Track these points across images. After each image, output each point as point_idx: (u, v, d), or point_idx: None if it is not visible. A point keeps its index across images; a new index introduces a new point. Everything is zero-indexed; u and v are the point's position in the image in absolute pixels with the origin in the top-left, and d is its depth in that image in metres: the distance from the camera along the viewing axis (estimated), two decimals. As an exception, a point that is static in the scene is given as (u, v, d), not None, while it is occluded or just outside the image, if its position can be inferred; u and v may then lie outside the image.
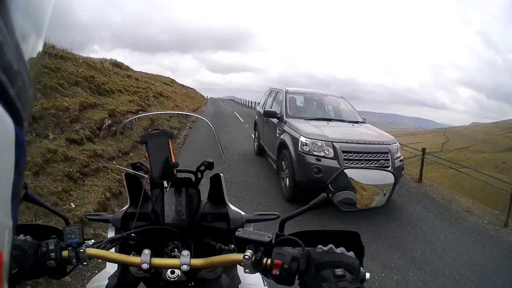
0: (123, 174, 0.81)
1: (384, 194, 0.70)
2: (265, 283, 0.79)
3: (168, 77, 22.08)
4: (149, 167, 0.72)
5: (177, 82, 23.36)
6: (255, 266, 0.56)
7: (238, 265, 0.62)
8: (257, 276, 0.76)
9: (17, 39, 0.19)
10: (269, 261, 0.56)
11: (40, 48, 0.23)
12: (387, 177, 0.72)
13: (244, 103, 32.67)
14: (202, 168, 0.82)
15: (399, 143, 4.07)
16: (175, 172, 0.72)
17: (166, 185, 0.75)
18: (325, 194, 0.63)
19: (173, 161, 0.72)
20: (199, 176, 0.83)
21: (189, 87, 38.54)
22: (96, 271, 2.04)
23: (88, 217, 0.88)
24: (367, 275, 0.57)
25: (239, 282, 0.74)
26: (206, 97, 56.89)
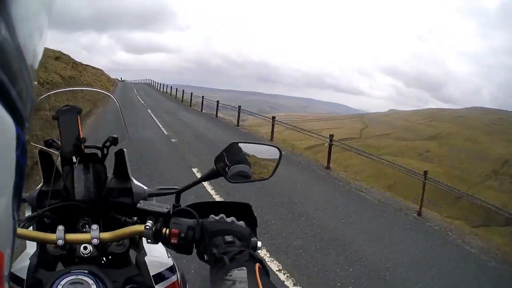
0: (37, 151, 0.80)
1: (274, 168, 0.79)
2: (169, 255, 0.82)
3: (60, 51, 17.22)
4: (60, 143, 0.74)
5: (73, 60, 18.58)
6: (155, 236, 0.61)
7: (144, 239, 0.66)
8: (162, 249, 0.80)
9: (18, 39, 0.19)
10: (167, 231, 0.62)
11: (41, 48, 0.23)
12: (273, 152, 0.80)
13: (166, 91, 24.20)
14: (108, 144, 0.83)
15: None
16: (83, 148, 0.75)
17: (75, 161, 0.79)
18: (214, 167, 0.72)
19: (81, 136, 0.74)
20: (105, 152, 0.84)
21: (97, 68, 32.47)
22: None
23: None
24: (259, 243, 0.66)
25: (145, 254, 0.75)
26: (119, 79, 47.99)
